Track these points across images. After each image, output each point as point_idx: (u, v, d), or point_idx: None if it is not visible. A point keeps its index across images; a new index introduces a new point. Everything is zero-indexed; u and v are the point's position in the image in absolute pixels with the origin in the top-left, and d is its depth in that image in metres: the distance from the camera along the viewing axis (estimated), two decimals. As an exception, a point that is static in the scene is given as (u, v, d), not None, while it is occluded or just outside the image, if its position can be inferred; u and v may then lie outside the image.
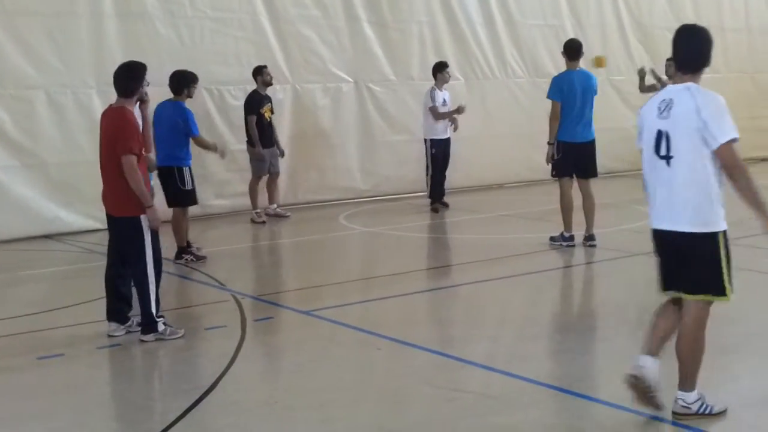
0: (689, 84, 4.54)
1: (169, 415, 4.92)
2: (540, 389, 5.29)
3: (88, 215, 11.17)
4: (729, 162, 4.39)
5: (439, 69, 12.95)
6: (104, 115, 6.54)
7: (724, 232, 4.48)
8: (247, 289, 8.16)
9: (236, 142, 12.39)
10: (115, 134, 6.24)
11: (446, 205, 12.77)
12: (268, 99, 12.06)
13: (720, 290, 4.50)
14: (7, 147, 10.93)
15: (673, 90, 4.59)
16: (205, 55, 12.27)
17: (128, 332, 6.55)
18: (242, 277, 8.98)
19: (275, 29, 13.04)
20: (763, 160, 17.15)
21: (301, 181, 13.43)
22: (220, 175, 12.48)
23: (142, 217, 6.28)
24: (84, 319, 7.04)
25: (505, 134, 14.82)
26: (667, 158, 4.50)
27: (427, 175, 12.83)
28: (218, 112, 12.58)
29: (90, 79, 11.46)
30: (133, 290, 6.55)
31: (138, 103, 6.60)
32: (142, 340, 6.37)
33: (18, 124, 11.04)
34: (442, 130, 12.70)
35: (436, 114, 12.59)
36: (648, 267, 8.64)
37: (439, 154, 12.64)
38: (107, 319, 6.60)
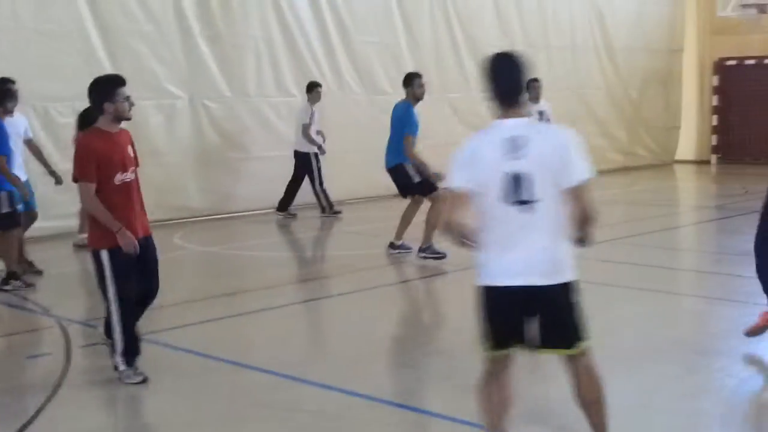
0: (527, 119, 4.05)
1: None
2: (378, 405, 5.27)
3: None
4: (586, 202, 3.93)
5: (310, 88, 13.60)
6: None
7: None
8: (73, 314, 7.78)
9: (63, 161, 11.84)
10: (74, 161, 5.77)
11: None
12: None
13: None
14: None
15: (518, 125, 3.98)
16: (30, 69, 11.65)
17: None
18: (67, 302, 8.55)
19: (104, 43, 12.58)
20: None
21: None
22: (47, 196, 11.89)
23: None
24: None
25: (343, 150, 14.84)
26: (526, 203, 3.88)
27: (317, 186, 13.49)
28: (43, 129, 11.99)
29: None
30: None
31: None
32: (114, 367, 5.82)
33: None
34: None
35: (306, 131, 13.25)
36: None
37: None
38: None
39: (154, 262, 5.97)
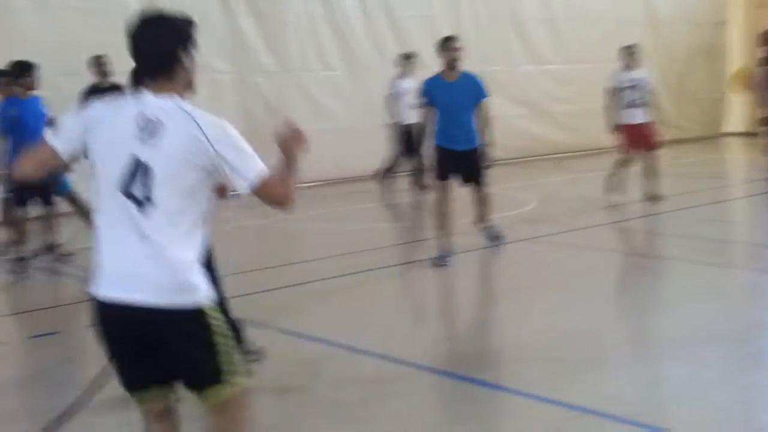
0: (176, 99, 3.12)
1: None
2: (428, 375, 5.32)
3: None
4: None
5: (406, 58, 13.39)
6: None
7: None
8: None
9: None
10: None
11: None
12: None
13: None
14: None
15: (158, 105, 3.07)
16: (73, 47, 11.74)
17: None
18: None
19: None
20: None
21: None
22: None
23: None
24: None
25: (386, 124, 14.83)
26: (139, 200, 3.02)
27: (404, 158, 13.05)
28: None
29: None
30: None
31: None
32: None
33: None
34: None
35: (388, 102, 13.15)
36: (528, 252, 8.90)
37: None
38: None
39: None
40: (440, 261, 8.18)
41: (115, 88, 8.96)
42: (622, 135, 11.33)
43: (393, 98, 13.17)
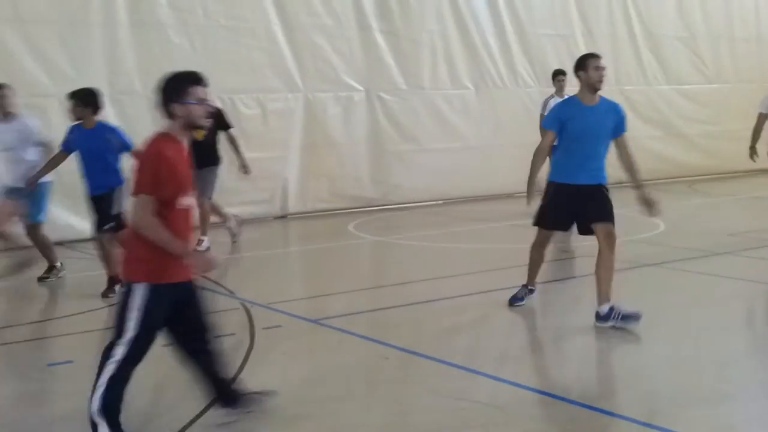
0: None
1: (181, 421, 4.96)
2: (548, 400, 5.32)
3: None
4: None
5: (554, 75, 12.57)
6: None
7: None
8: (256, 297, 8.21)
9: (249, 150, 12.45)
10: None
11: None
12: None
13: None
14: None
15: None
16: (218, 64, 12.34)
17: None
18: (251, 285, 9.03)
19: (288, 38, 13.12)
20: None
21: (311, 189, 13.50)
22: (230, 183, 12.55)
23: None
24: (90, 327, 7.12)
25: (514, 144, 14.82)
26: None
27: None
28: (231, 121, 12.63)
29: (104, 88, 11.51)
30: None
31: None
32: None
33: (32, 132, 11.13)
34: None
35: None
36: (655, 277, 8.72)
37: None
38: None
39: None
40: (515, 301, 7.61)
41: None
42: None
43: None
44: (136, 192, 4.37)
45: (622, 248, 9.26)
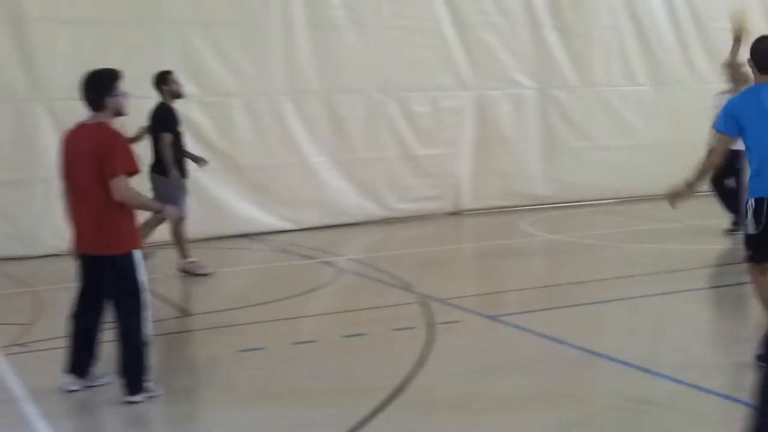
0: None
1: (361, 411, 5.12)
2: (733, 405, 5.16)
3: (281, 216, 11.85)
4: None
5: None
6: (74, 134, 5.49)
7: None
8: (432, 291, 8.32)
9: (422, 147, 12.68)
10: (103, 155, 5.24)
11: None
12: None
13: None
14: (207, 151, 11.56)
15: None
16: (390, 63, 12.59)
17: (88, 387, 5.60)
18: (426, 280, 9.15)
19: (458, 36, 13.20)
20: None
21: (483, 186, 13.54)
22: (404, 180, 12.78)
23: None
24: (280, 315, 7.43)
25: (694, 141, 14.33)
26: None
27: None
28: (404, 119, 12.88)
29: (283, 87, 12.00)
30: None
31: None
32: (130, 402, 5.32)
33: (217, 130, 11.74)
34: None
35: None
36: None
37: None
38: (66, 371, 5.58)
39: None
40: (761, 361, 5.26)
41: None
42: None
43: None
44: (118, 173, 5.22)
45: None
